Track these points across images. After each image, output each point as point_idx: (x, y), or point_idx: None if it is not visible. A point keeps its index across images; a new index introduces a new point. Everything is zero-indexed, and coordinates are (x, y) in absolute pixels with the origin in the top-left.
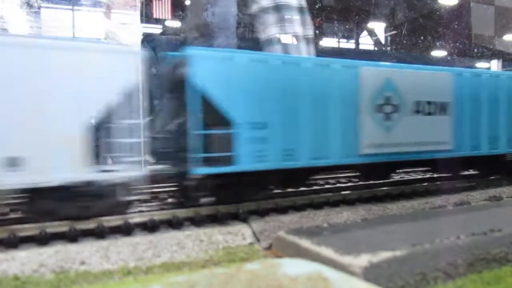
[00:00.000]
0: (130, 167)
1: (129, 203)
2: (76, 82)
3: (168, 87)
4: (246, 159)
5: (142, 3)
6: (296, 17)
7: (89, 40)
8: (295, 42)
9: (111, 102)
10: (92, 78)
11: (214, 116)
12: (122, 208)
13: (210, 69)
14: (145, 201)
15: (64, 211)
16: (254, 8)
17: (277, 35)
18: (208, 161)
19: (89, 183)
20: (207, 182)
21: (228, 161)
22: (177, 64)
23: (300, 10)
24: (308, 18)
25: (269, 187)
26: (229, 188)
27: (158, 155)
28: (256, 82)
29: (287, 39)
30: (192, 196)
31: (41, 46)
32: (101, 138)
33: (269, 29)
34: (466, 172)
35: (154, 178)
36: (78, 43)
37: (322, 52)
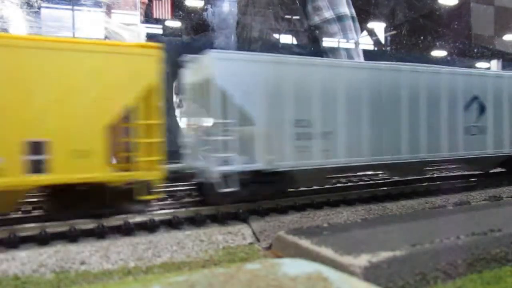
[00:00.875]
0: None
1: None
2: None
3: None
4: None
5: (142, 3)
6: (352, 25)
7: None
8: (353, 47)
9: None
10: None
11: None
12: None
13: None
14: None
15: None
16: (316, 20)
17: (341, 42)
18: None
19: None
20: None
21: None
22: None
23: (353, 18)
24: (357, 25)
25: None
26: None
27: None
28: None
29: (348, 45)
30: None
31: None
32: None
33: (333, 38)
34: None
35: None
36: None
37: (324, 52)
